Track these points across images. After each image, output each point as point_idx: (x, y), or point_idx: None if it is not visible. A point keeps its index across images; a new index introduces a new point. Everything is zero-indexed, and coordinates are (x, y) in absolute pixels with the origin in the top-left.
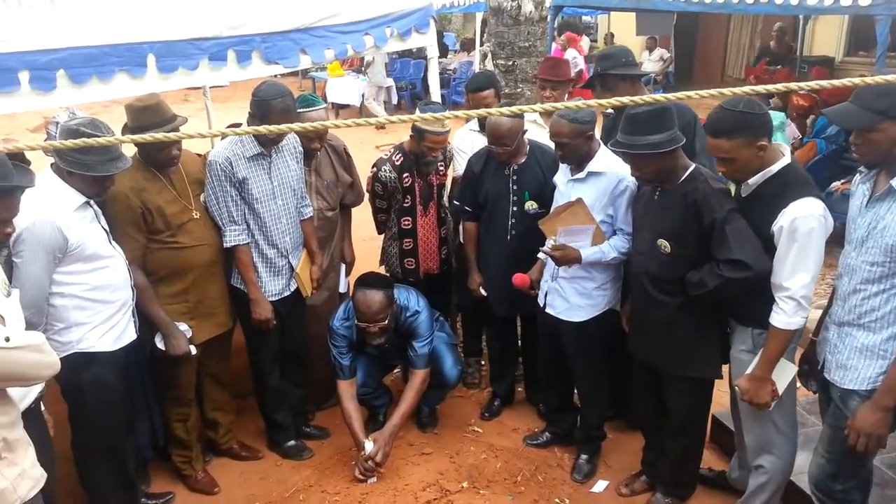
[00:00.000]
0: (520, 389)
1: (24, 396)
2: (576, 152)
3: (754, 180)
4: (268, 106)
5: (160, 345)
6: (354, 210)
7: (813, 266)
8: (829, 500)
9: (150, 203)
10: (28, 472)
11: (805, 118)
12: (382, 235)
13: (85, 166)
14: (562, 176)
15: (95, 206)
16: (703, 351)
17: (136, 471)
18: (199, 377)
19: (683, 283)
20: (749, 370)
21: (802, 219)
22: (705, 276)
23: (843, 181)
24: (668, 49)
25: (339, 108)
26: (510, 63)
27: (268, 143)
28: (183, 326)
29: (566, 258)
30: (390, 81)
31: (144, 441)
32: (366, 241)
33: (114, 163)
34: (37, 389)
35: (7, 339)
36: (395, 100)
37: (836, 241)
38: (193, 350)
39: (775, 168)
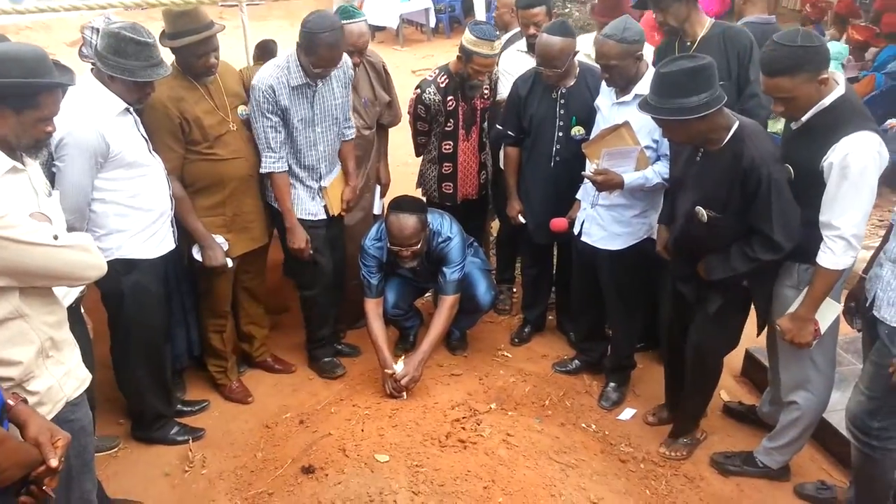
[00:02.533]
0: (551, 318)
1: (64, 296)
2: (623, 74)
3: (807, 115)
4: (316, 38)
5: (197, 256)
6: (392, 133)
7: (865, 205)
8: (865, 437)
9: (187, 113)
10: (74, 372)
11: (864, 51)
12: (420, 158)
13: (126, 71)
14: (605, 99)
15: (135, 114)
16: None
17: (173, 377)
18: (234, 291)
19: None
20: (792, 308)
21: (855, 154)
22: (736, 262)
23: None
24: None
25: (374, 31)
26: None
27: (314, 76)
28: (220, 239)
29: (608, 183)
30: (429, 2)
31: (181, 349)
32: (402, 166)
33: (155, 69)
34: (77, 290)
35: (55, 237)
36: (433, 22)
37: (886, 182)
38: (230, 263)
39: (829, 100)
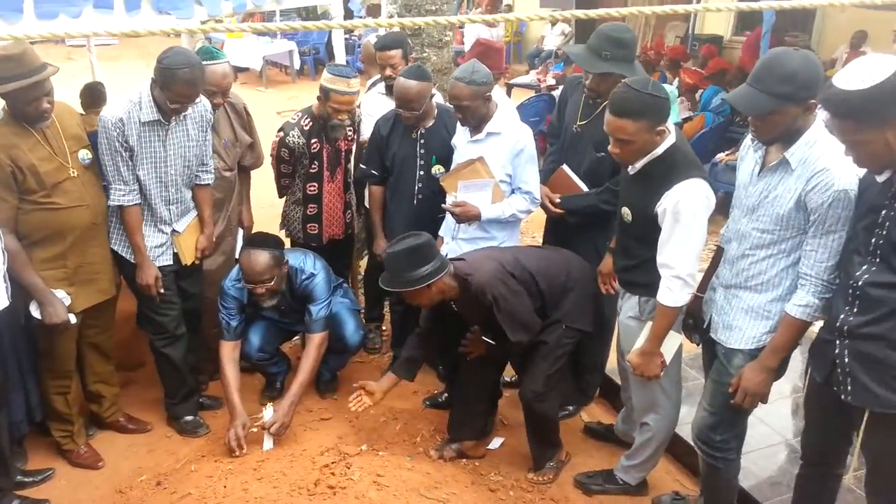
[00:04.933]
0: None
1: None
2: (475, 114)
3: (641, 163)
4: (172, 75)
5: (35, 313)
6: (255, 175)
7: (697, 245)
8: (710, 450)
9: (20, 161)
10: None
11: (693, 93)
12: (283, 200)
13: None
14: (461, 137)
15: None
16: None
17: (11, 446)
18: (79, 347)
19: None
20: (637, 344)
21: (685, 201)
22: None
23: (728, 152)
24: (570, 23)
25: (238, 72)
26: (416, 27)
27: (169, 112)
28: (61, 293)
29: (466, 214)
30: (292, 45)
31: (19, 415)
32: (265, 208)
33: None
34: None
35: None
36: (297, 64)
37: (718, 211)
38: (73, 318)
39: (661, 149)
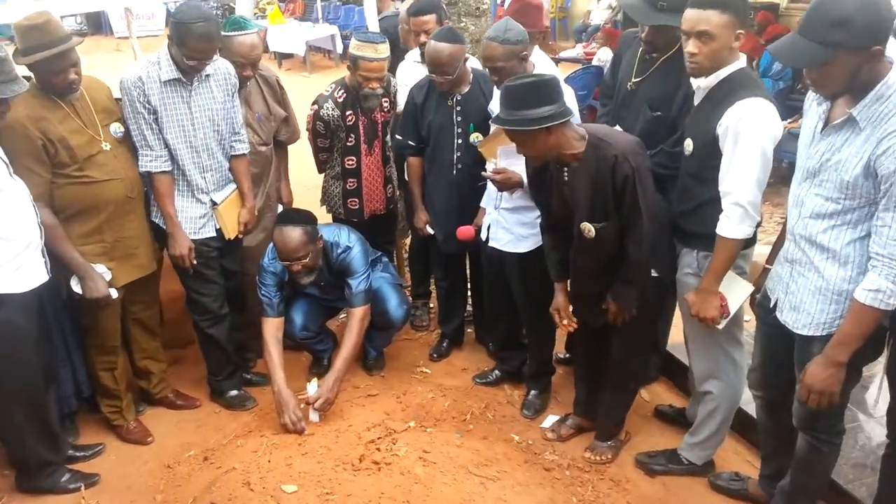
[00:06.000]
0: (469, 331)
1: None
2: (511, 75)
3: (707, 82)
4: (186, 29)
5: (76, 288)
6: (297, 155)
7: (758, 171)
8: (814, 432)
9: (51, 133)
10: None
11: (751, 62)
12: (323, 175)
13: None
14: (498, 102)
15: None
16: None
17: (62, 421)
18: (125, 324)
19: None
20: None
21: (748, 119)
22: (629, 293)
23: (790, 120)
24: None
25: (281, 58)
26: None
27: (188, 70)
28: (100, 268)
29: (508, 182)
30: (334, 29)
31: (67, 391)
32: (310, 189)
33: (7, 85)
34: None
35: None
36: (339, 48)
37: (783, 182)
38: (114, 293)
39: (730, 69)
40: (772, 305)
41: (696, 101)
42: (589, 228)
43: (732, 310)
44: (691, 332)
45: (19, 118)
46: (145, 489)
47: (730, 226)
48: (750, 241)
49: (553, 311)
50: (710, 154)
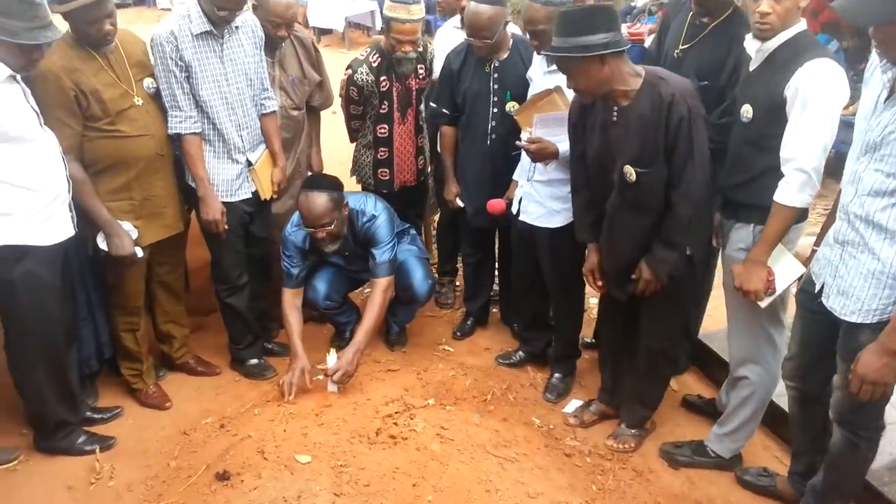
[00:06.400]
0: (495, 311)
1: None
2: None
3: (767, 45)
4: None
5: (102, 245)
6: (329, 130)
7: (826, 136)
8: (852, 427)
9: (84, 85)
10: None
11: None
12: (354, 145)
13: (9, 32)
14: (537, 68)
15: (23, 84)
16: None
17: (82, 382)
18: (149, 286)
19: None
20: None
21: (819, 80)
22: (667, 250)
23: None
24: None
25: (320, 34)
26: None
27: (219, 22)
28: (127, 226)
29: (543, 152)
30: (374, 5)
31: (88, 351)
32: (343, 163)
33: (42, 31)
34: None
35: None
36: (378, 25)
37: (832, 174)
38: (140, 252)
39: (792, 32)
40: (816, 290)
41: (753, 66)
42: (631, 172)
43: (779, 288)
44: (733, 309)
45: (53, 68)
46: (160, 454)
47: (790, 192)
48: (803, 215)
49: (586, 273)
50: (774, 119)
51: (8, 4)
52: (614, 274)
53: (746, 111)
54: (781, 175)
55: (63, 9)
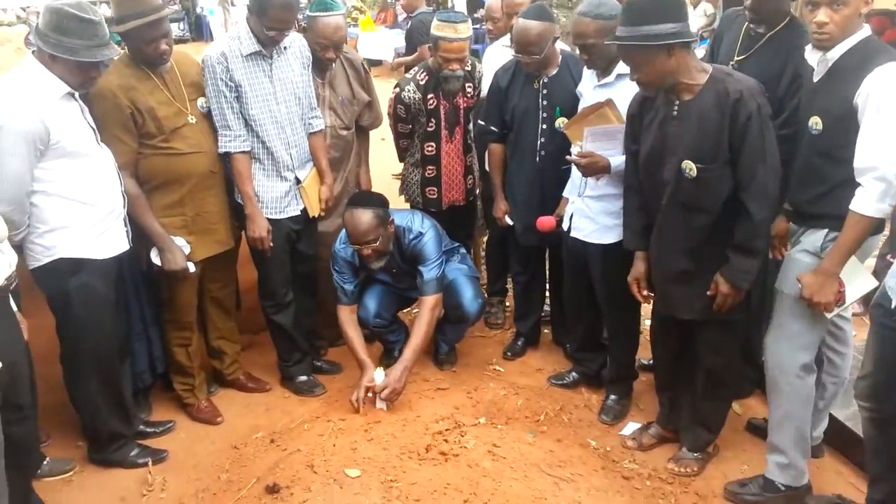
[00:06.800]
0: (546, 332)
1: None
2: (603, 53)
3: (832, 54)
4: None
5: (156, 260)
6: (379, 150)
7: None
8: None
9: (140, 103)
10: None
11: None
12: (403, 164)
13: (69, 50)
14: (587, 83)
15: (81, 102)
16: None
17: (136, 396)
18: (201, 302)
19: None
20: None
21: (889, 85)
22: (746, 260)
23: None
24: (715, 5)
25: (371, 65)
26: None
27: (268, 42)
28: (180, 241)
29: (594, 166)
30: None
31: (142, 365)
32: (390, 184)
33: (100, 49)
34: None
35: None
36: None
37: None
38: (192, 267)
39: (856, 39)
40: (893, 306)
41: (817, 77)
42: (691, 167)
43: (849, 300)
44: (786, 315)
45: (111, 86)
46: (211, 468)
47: (868, 201)
48: (880, 226)
49: (631, 282)
50: (846, 129)
51: (68, 23)
52: (662, 285)
53: (815, 123)
54: (857, 185)
55: (122, 28)
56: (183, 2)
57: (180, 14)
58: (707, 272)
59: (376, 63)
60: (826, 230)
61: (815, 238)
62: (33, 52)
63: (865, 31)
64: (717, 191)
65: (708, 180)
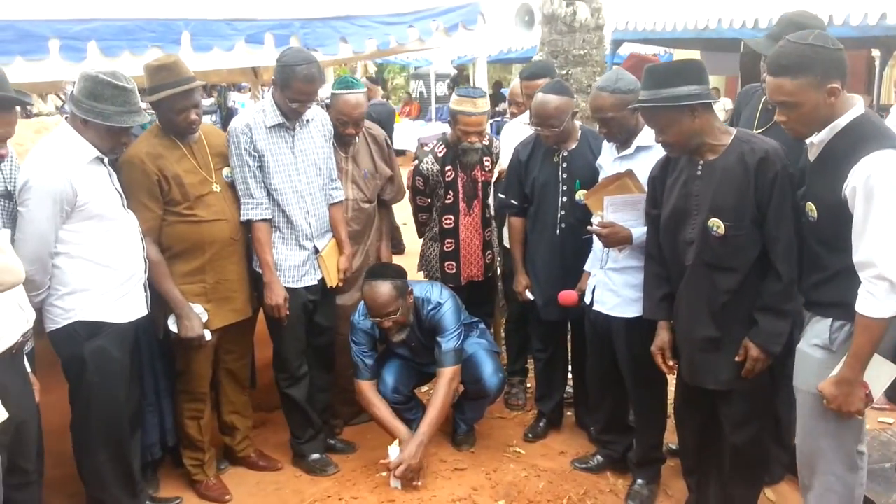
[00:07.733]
0: (569, 413)
1: None
2: (622, 126)
3: (821, 137)
4: (291, 72)
5: (173, 327)
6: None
7: None
8: None
9: (167, 171)
10: None
11: None
12: (422, 240)
13: (100, 115)
14: (607, 155)
15: (110, 168)
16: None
17: (145, 471)
18: (215, 374)
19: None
20: (835, 372)
21: (880, 175)
22: (775, 320)
23: None
24: (734, 100)
25: (397, 154)
26: (564, 73)
27: (291, 114)
28: (198, 308)
29: (615, 237)
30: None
31: (153, 438)
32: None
33: (131, 115)
34: (15, 335)
35: None
36: None
37: None
38: (208, 335)
39: (845, 120)
40: None
41: (812, 158)
42: (718, 224)
43: (876, 396)
44: (810, 416)
45: (139, 154)
46: None
47: (874, 303)
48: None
49: (655, 352)
50: (838, 219)
51: (101, 90)
52: (688, 353)
53: (811, 210)
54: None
55: (154, 98)
56: (217, 98)
57: (213, 107)
58: (734, 338)
59: (400, 153)
60: (831, 319)
61: (821, 328)
62: (66, 118)
63: (857, 109)
64: (746, 250)
65: (737, 238)
